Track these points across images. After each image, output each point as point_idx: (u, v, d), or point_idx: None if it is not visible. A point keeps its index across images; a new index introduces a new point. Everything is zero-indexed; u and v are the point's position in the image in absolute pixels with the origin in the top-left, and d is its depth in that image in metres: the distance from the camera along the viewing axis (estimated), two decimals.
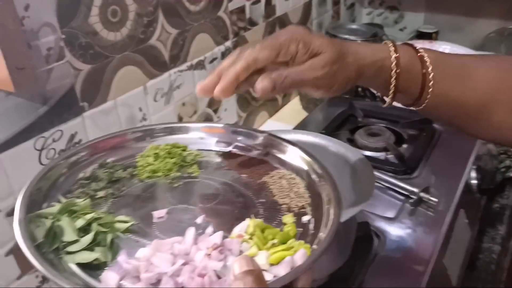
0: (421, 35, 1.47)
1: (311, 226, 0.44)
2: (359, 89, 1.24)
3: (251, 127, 0.59)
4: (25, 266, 0.67)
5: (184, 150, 0.55)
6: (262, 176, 0.51)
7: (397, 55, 0.50)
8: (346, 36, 1.36)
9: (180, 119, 0.90)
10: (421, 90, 0.51)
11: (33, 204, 0.43)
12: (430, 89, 0.51)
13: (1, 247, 0.63)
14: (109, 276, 0.37)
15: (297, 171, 0.51)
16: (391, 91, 0.51)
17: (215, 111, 1.00)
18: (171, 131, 0.58)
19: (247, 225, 0.43)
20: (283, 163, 0.53)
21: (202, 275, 0.37)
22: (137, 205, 0.47)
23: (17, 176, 0.63)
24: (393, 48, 0.51)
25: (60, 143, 0.68)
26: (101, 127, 0.74)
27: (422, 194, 0.76)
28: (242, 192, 0.49)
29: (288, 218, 0.45)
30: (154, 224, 0.44)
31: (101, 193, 0.48)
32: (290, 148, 0.53)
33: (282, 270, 0.37)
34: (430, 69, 0.50)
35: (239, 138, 0.56)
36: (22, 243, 0.39)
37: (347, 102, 1.09)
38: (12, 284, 0.66)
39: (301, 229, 0.44)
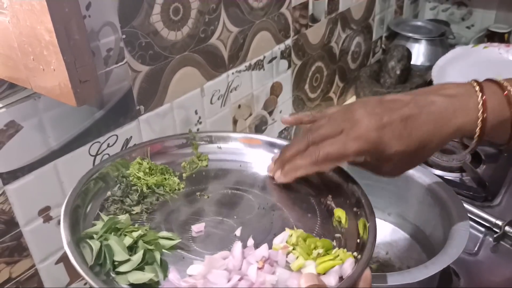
0: (491, 35, 1.35)
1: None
2: None
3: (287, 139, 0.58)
4: (74, 274, 0.65)
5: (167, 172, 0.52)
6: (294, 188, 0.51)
7: (484, 98, 0.43)
8: (410, 34, 1.27)
9: (235, 122, 0.85)
10: None
11: (76, 222, 0.43)
12: None
13: (52, 256, 0.61)
14: None
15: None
16: (476, 137, 0.44)
17: (270, 113, 0.95)
18: (212, 139, 0.57)
19: (289, 235, 0.43)
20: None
21: None
22: (173, 219, 0.47)
23: (70, 182, 0.60)
24: (479, 92, 0.44)
25: (114, 148, 0.64)
26: (156, 131, 0.70)
27: (507, 228, 0.68)
28: (275, 204, 0.49)
29: (340, 212, 0.47)
30: (194, 238, 0.44)
31: (136, 209, 0.47)
32: None
33: (332, 279, 0.38)
34: None
35: (275, 150, 0.55)
36: (78, 267, 0.38)
37: None
38: None
39: (339, 234, 0.45)
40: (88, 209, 0.46)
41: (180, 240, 0.43)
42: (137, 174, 0.49)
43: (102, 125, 0.62)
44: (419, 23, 1.37)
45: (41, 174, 0.57)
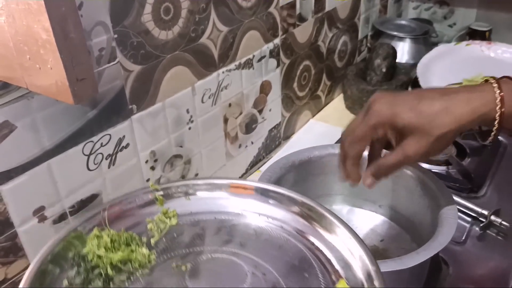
0: (473, 33, 1.38)
1: None
2: (409, 88, 1.17)
3: (285, 189, 0.47)
4: None
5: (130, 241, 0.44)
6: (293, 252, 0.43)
7: (502, 94, 0.47)
8: (395, 33, 1.30)
9: (226, 120, 0.86)
10: None
11: None
12: None
13: None
14: None
15: (341, 258, 0.42)
16: (494, 129, 0.48)
17: (260, 111, 0.96)
18: (187, 191, 0.49)
19: None
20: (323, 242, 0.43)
21: None
22: None
23: (64, 182, 0.60)
24: (497, 88, 0.47)
25: (108, 147, 0.65)
26: (148, 131, 0.70)
27: (492, 218, 0.70)
28: (265, 267, 0.41)
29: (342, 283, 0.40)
30: None
31: None
32: (337, 227, 0.43)
33: None
34: None
35: (271, 202, 0.46)
36: None
37: None
38: None
39: None
40: None
41: None
42: (96, 252, 0.41)
43: (95, 124, 0.62)
44: (403, 22, 1.39)
45: (35, 174, 0.57)
